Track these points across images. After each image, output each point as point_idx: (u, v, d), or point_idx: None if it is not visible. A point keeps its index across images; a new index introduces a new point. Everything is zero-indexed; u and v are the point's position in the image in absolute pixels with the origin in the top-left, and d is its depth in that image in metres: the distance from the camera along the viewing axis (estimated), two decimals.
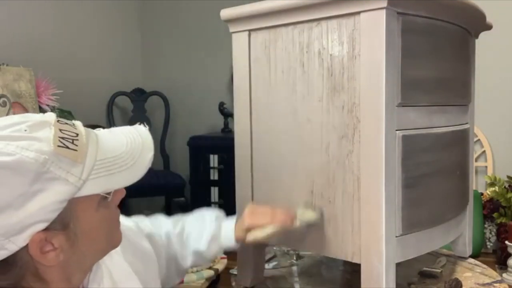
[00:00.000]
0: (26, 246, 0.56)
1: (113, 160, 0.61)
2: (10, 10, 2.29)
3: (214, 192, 2.69)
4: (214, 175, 2.69)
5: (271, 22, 1.01)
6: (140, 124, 0.70)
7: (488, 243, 2.55)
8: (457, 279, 1.05)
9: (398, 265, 0.91)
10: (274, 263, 1.29)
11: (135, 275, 0.77)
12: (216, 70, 3.10)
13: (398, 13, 0.87)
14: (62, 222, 0.58)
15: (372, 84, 0.86)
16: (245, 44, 1.06)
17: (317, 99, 0.96)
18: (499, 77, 2.54)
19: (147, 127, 0.69)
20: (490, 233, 2.55)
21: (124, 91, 3.04)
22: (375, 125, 0.87)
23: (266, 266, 1.24)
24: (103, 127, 0.68)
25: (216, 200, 2.68)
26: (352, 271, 1.21)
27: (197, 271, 1.70)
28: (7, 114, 1.59)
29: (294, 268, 1.26)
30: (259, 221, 0.93)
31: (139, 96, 3.09)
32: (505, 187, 2.45)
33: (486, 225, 2.54)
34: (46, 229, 0.56)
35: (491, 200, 2.46)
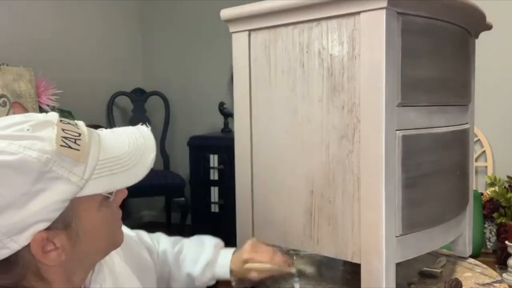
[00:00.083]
0: (28, 245, 0.56)
1: (115, 160, 0.61)
2: (10, 10, 2.29)
3: (214, 192, 2.69)
4: (214, 175, 2.69)
5: (271, 22, 1.01)
6: (142, 124, 0.70)
7: (488, 243, 2.56)
8: (457, 279, 1.05)
9: (398, 265, 0.91)
10: None
11: (136, 278, 0.77)
12: (216, 70, 3.10)
13: (398, 13, 0.87)
14: (64, 222, 0.58)
15: (372, 84, 0.86)
16: (245, 44, 1.06)
17: (317, 99, 0.96)
18: (499, 77, 2.54)
19: (149, 128, 0.70)
20: (490, 233, 2.55)
21: (124, 91, 3.04)
22: (375, 125, 0.87)
23: None
24: (103, 127, 0.69)
25: (216, 200, 2.68)
26: (352, 271, 1.21)
27: None
28: (7, 114, 1.59)
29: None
30: (259, 257, 0.94)
31: (139, 96, 3.09)
32: (505, 187, 2.45)
33: (486, 225, 2.54)
34: (48, 229, 0.56)
35: (491, 200, 2.46)
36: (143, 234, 0.93)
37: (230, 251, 0.97)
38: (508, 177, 2.49)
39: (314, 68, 0.96)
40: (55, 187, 0.55)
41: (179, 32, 3.26)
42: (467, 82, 1.13)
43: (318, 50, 0.95)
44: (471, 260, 1.24)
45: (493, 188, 2.43)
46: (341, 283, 1.17)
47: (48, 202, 0.55)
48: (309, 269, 0.99)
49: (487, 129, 2.61)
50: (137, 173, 0.64)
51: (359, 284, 0.91)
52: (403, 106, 0.90)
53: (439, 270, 1.15)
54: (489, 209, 2.47)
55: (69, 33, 2.69)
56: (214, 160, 2.68)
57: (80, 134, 0.60)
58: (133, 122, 2.92)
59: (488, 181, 2.49)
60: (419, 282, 1.11)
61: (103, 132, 0.66)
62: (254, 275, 0.94)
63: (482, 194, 2.51)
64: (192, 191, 2.77)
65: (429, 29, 0.94)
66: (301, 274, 0.99)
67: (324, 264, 1.29)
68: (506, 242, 2.23)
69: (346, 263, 1.19)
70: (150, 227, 1.40)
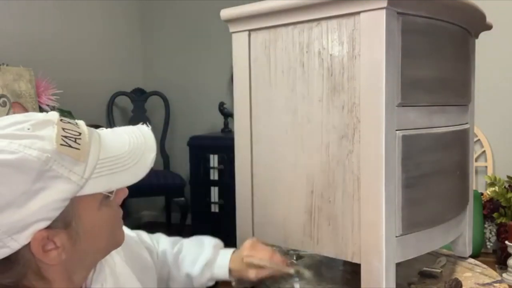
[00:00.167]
0: (28, 244, 0.56)
1: (115, 159, 0.61)
2: (10, 10, 2.29)
3: (214, 192, 2.69)
4: (214, 175, 2.69)
5: (271, 22, 1.01)
6: (142, 124, 0.70)
7: (488, 243, 2.56)
8: (457, 279, 1.05)
9: (398, 265, 0.91)
10: None
11: (136, 279, 0.77)
12: (216, 70, 3.10)
13: (398, 13, 0.87)
14: (64, 221, 0.58)
15: (372, 84, 0.86)
16: (245, 44, 1.06)
17: (317, 99, 0.96)
18: (499, 77, 2.54)
19: (150, 127, 0.70)
20: (490, 233, 2.55)
21: (124, 91, 3.04)
22: (375, 125, 0.87)
23: None
24: (103, 127, 0.69)
25: (216, 200, 2.68)
26: (352, 271, 1.21)
27: None
28: (7, 114, 1.59)
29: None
30: (258, 255, 0.94)
31: (139, 96, 3.09)
32: (505, 187, 2.45)
33: (486, 225, 2.54)
34: (48, 228, 0.56)
35: (491, 200, 2.46)
36: (143, 234, 0.93)
37: (229, 251, 0.97)
38: (508, 177, 2.49)
39: (314, 68, 0.96)
40: (55, 186, 0.55)
41: (179, 32, 3.26)
42: (467, 82, 1.13)
43: (318, 50, 0.95)
44: (471, 260, 1.24)
45: (493, 188, 2.43)
46: (341, 283, 1.17)
47: (48, 201, 0.55)
48: (307, 273, 0.99)
49: (487, 129, 2.61)
50: (138, 172, 0.64)
51: (359, 284, 0.91)
52: (403, 106, 0.90)
53: (439, 270, 1.15)
54: (489, 209, 2.47)
55: (69, 33, 2.69)
56: (214, 160, 2.68)
57: (80, 134, 0.60)
58: (133, 122, 2.91)
59: (488, 181, 2.49)
60: (419, 282, 1.11)
61: (103, 131, 0.66)
62: (253, 274, 0.94)
63: (482, 194, 2.51)
64: (192, 191, 2.77)
65: (429, 29, 0.94)
66: (299, 276, 0.99)
67: (324, 264, 1.29)
68: (506, 242, 2.23)
69: (346, 263, 1.19)
70: (150, 227, 1.40)
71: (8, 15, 2.28)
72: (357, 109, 0.90)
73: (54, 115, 0.61)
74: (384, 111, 0.85)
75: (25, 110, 1.68)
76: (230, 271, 0.94)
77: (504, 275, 2.22)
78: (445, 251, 1.31)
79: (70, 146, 0.57)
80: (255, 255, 0.94)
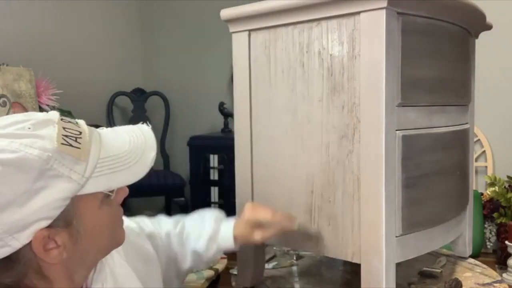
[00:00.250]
0: (29, 244, 0.56)
1: (116, 158, 0.62)
2: (10, 10, 2.29)
3: (214, 192, 2.69)
4: (214, 175, 2.69)
5: (271, 22, 1.01)
6: (142, 123, 0.71)
7: (488, 243, 2.56)
8: (457, 279, 1.05)
9: (398, 265, 0.91)
10: (274, 263, 1.29)
11: (136, 277, 0.77)
12: (216, 70, 3.10)
13: (398, 13, 0.87)
14: (65, 220, 0.58)
15: (372, 84, 0.86)
16: (245, 44, 1.07)
17: (317, 99, 0.96)
18: (499, 77, 2.54)
19: (150, 126, 0.70)
20: (490, 233, 2.55)
21: (124, 91, 3.04)
22: (375, 125, 0.87)
23: (266, 266, 1.24)
24: (103, 127, 0.69)
25: (216, 200, 2.68)
26: (352, 271, 1.21)
27: (197, 271, 1.70)
28: (7, 114, 1.59)
29: (294, 268, 1.26)
30: (260, 215, 0.94)
31: (139, 96, 3.09)
32: (505, 187, 2.45)
33: (486, 225, 2.54)
34: (49, 227, 0.57)
35: (491, 200, 2.46)
36: (144, 222, 0.92)
37: (231, 220, 0.96)
38: (508, 177, 2.49)
39: (314, 68, 0.96)
40: (56, 185, 0.55)
41: (179, 32, 3.26)
42: (467, 82, 1.13)
43: (318, 50, 0.95)
44: (471, 260, 1.25)
45: (493, 188, 2.43)
46: (341, 283, 1.17)
47: (49, 200, 0.55)
48: (310, 229, 0.97)
49: (487, 129, 2.61)
50: (138, 171, 0.64)
51: (359, 284, 0.91)
52: (403, 106, 0.90)
53: (439, 270, 1.15)
54: (489, 209, 2.47)
55: (69, 33, 2.69)
56: (214, 160, 2.69)
57: (81, 133, 0.60)
58: (133, 122, 2.91)
59: (488, 181, 2.49)
60: (419, 282, 1.11)
61: (103, 130, 0.66)
62: (258, 236, 0.93)
63: (482, 194, 2.51)
64: (192, 191, 2.78)
65: (429, 29, 0.94)
66: (301, 231, 0.97)
67: (324, 264, 1.29)
68: (506, 242, 2.23)
69: (346, 263, 1.20)
70: None
71: (8, 15, 2.28)
72: (357, 109, 0.90)
73: (54, 115, 0.61)
74: (384, 111, 0.85)
75: (25, 110, 1.68)
76: (235, 239, 0.94)
77: (504, 275, 2.22)
78: (445, 251, 1.31)
79: (70, 145, 0.57)
80: (256, 215, 0.94)
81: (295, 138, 1.00)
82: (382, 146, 0.86)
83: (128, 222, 0.84)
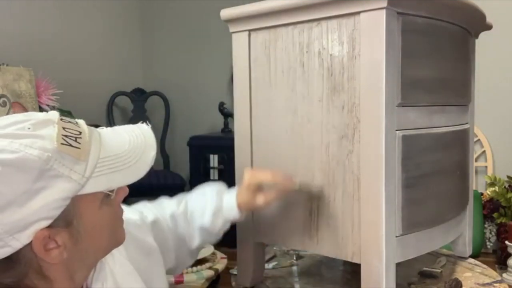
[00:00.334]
0: (30, 244, 0.56)
1: (116, 158, 0.62)
2: (10, 10, 2.29)
3: None
4: (214, 175, 2.69)
5: (271, 22, 1.01)
6: (142, 122, 0.71)
7: (488, 243, 2.56)
8: (457, 279, 1.05)
9: (398, 265, 0.91)
10: (274, 263, 1.29)
11: (137, 274, 0.77)
12: (216, 70, 3.10)
13: (398, 13, 0.87)
14: (66, 220, 0.58)
15: (372, 84, 0.86)
16: (245, 44, 1.07)
17: (317, 99, 0.96)
18: (499, 77, 2.54)
19: (150, 126, 0.70)
20: (490, 233, 2.55)
21: (124, 91, 3.04)
22: (375, 125, 0.87)
23: (266, 266, 1.24)
24: (103, 127, 0.69)
25: None
26: (352, 271, 1.21)
27: (197, 271, 1.70)
28: (7, 114, 1.59)
29: (294, 268, 1.26)
30: (260, 177, 0.94)
31: (139, 96, 3.09)
32: (505, 187, 2.45)
33: (486, 225, 2.54)
34: (49, 227, 0.57)
35: (491, 200, 2.46)
36: (147, 209, 0.92)
37: (232, 191, 0.96)
38: (508, 177, 2.49)
39: (314, 68, 0.96)
40: (56, 185, 0.55)
41: (179, 32, 3.26)
42: (467, 82, 1.13)
43: (318, 50, 0.95)
44: (471, 260, 1.25)
45: (493, 188, 2.43)
46: (341, 283, 1.17)
47: (49, 200, 0.55)
48: (311, 186, 0.96)
49: (487, 129, 2.61)
50: (138, 171, 0.64)
51: (359, 284, 0.91)
52: (403, 106, 0.90)
53: (439, 270, 1.15)
54: (489, 209, 2.47)
55: (69, 33, 2.69)
56: (214, 160, 2.69)
57: (80, 133, 0.60)
58: (133, 122, 2.91)
59: (488, 181, 2.49)
60: (419, 282, 1.11)
61: (103, 130, 0.66)
62: (261, 200, 0.94)
63: (482, 194, 2.51)
64: None
65: (429, 29, 0.94)
66: (302, 189, 0.97)
67: (324, 264, 1.29)
68: (506, 242, 2.23)
69: (346, 263, 1.20)
70: None
71: (8, 15, 2.28)
72: (357, 109, 0.90)
73: (54, 115, 0.61)
74: (384, 111, 0.85)
75: (25, 110, 1.68)
76: (239, 207, 0.94)
77: (504, 275, 2.22)
78: (445, 251, 1.31)
79: (70, 145, 0.57)
80: (257, 176, 0.94)
81: (295, 138, 1.00)
82: (382, 146, 0.86)
83: (130, 213, 0.84)
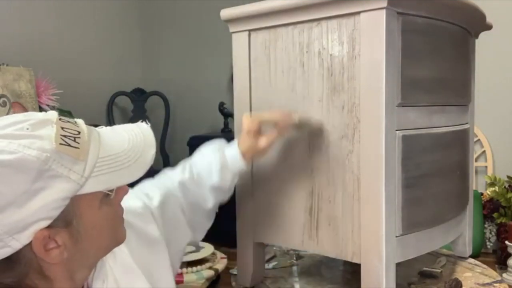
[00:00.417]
0: (30, 244, 0.56)
1: (115, 158, 0.61)
2: (10, 10, 2.29)
3: None
4: None
5: (271, 22, 1.01)
6: (142, 121, 0.71)
7: (488, 243, 2.55)
8: (457, 279, 1.05)
9: (398, 265, 0.91)
10: (274, 263, 1.29)
11: (139, 270, 0.77)
12: (216, 70, 3.10)
13: (398, 13, 0.87)
14: (65, 220, 0.58)
15: (372, 84, 0.86)
16: (245, 44, 1.07)
17: (317, 99, 0.96)
18: (499, 77, 2.54)
19: (149, 124, 0.70)
20: (490, 233, 2.55)
21: (124, 91, 3.04)
22: (375, 125, 0.87)
23: (266, 266, 1.24)
24: (103, 127, 0.69)
25: None
26: (352, 271, 1.21)
27: (197, 271, 1.70)
28: (7, 114, 1.59)
29: (294, 268, 1.26)
30: (258, 118, 0.95)
31: (139, 96, 3.09)
32: (505, 187, 2.45)
33: (486, 225, 2.54)
34: (49, 227, 0.57)
35: (491, 200, 2.46)
36: (152, 192, 0.90)
37: (233, 144, 0.96)
38: (508, 177, 2.49)
39: (314, 68, 0.96)
40: (55, 185, 0.55)
41: (179, 32, 3.26)
42: (467, 82, 1.13)
43: (318, 50, 0.95)
44: (471, 260, 1.25)
45: (493, 188, 2.43)
46: (341, 283, 1.17)
47: (48, 200, 0.55)
48: (312, 121, 0.96)
49: (487, 129, 2.60)
50: (138, 170, 0.64)
51: (359, 284, 0.91)
52: (403, 106, 0.90)
53: (439, 270, 1.15)
54: (489, 209, 2.46)
55: (69, 33, 2.69)
56: None
57: (79, 132, 0.60)
58: (133, 122, 2.91)
59: (488, 181, 2.49)
60: (419, 282, 1.11)
61: (103, 129, 0.66)
62: (263, 142, 0.94)
63: (482, 194, 2.51)
64: None
65: (429, 29, 0.94)
66: (303, 124, 0.96)
67: (324, 264, 1.29)
68: (506, 242, 2.23)
69: (346, 263, 1.20)
70: None
71: (8, 15, 2.28)
72: (357, 109, 0.90)
73: (53, 115, 0.61)
74: (384, 111, 0.85)
75: (25, 110, 1.68)
76: (243, 156, 0.94)
77: (504, 275, 2.22)
78: (445, 251, 1.31)
79: (69, 145, 0.57)
80: (255, 119, 0.94)
81: (295, 138, 1.00)
82: (382, 146, 0.86)
83: (132, 201, 0.82)
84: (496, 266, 2.36)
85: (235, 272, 1.20)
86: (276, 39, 1.02)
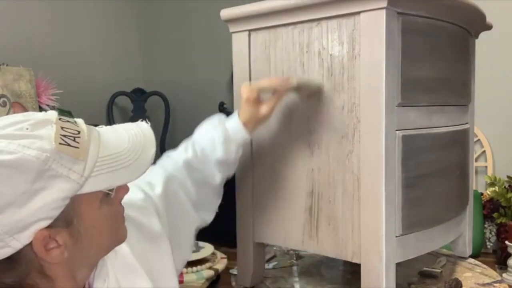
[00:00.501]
0: (30, 244, 0.56)
1: (115, 157, 0.61)
2: (10, 10, 2.29)
3: None
4: None
5: (271, 22, 1.01)
6: (141, 120, 0.71)
7: (488, 243, 2.55)
8: (457, 279, 1.05)
9: (398, 265, 0.91)
10: (274, 263, 1.29)
11: (140, 268, 0.76)
12: (216, 70, 3.10)
13: (398, 13, 0.87)
14: (66, 219, 0.58)
15: (372, 84, 0.86)
16: (245, 44, 1.07)
17: (317, 99, 0.96)
18: (499, 77, 2.54)
19: (149, 124, 0.70)
20: (490, 233, 2.55)
21: (124, 91, 3.04)
22: (375, 125, 0.87)
23: (266, 266, 1.24)
24: (103, 126, 0.69)
25: None
26: (352, 271, 1.21)
27: (197, 271, 1.70)
28: (7, 114, 1.59)
29: (294, 268, 1.26)
30: (257, 85, 0.94)
31: (139, 96, 3.09)
32: (505, 187, 2.44)
33: (486, 225, 2.54)
34: (49, 227, 0.56)
35: (491, 200, 2.46)
36: (154, 179, 0.89)
37: (234, 116, 0.96)
38: (508, 177, 2.49)
39: (314, 68, 0.96)
40: (55, 185, 0.55)
41: (179, 32, 3.25)
42: (467, 82, 1.13)
43: (318, 50, 0.95)
44: (471, 260, 1.25)
45: (493, 188, 2.43)
46: (341, 283, 1.17)
47: (49, 200, 0.55)
48: (313, 82, 0.95)
49: (487, 129, 2.60)
50: (138, 169, 0.64)
51: (359, 284, 0.91)
52: (403, 106, 0.90)
53: (439, 270, 1.15)
54: (489, 209, 2.46)
55: (69, 33, 2.69)
56: None
57: (79, 132, 0.60)
58: (133, 122, 2.91)
59: (488, 181, 2.49)
60: (419, 282, 1.11)
61: (102, 129, 0.66)
62: (264, 109, 0.94)
63: (482, 194, 2.51)
64: None
65: (429, 29, 0.94)
66: (303, 87, 0.95)
67: (324, 264, 1.29)
68: (506, 242, 2.23)
69: (346, 263, 1.20)
70: None
71: (8, 15, 2.28)
72: (357, 109, 0.90)
73: (52, 114, 0.61)
74: (384, 111, 0.85)
75: (25, 110, 1.68)
76: (245, 126, 0.94)
77: (504, 275, 2.22)
78: (445, 251, 1.31)
79: (69, 145, 0.57)
80: (254, 87, 0.94)
81: (295, 138, 1.00)
82: (382, 146, 0.86)
83: (133, 193, 0.80)
84: (496, 266, 2.35)
85: (235, 272, 1.20)
86: (276, 39, 1.02)
